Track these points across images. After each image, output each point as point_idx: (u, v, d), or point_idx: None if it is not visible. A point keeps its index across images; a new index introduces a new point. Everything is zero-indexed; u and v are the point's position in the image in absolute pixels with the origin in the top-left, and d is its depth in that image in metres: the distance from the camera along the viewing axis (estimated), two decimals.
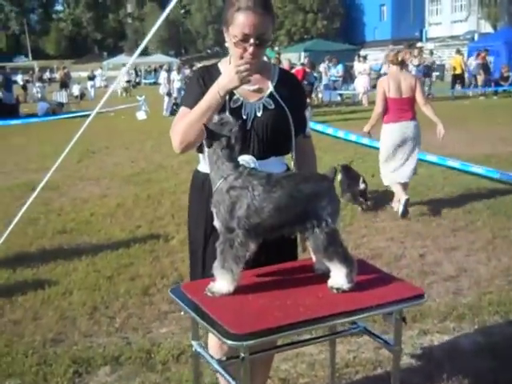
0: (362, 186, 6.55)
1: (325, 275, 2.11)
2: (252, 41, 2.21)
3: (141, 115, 17.52)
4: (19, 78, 33.99)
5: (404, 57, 6.54)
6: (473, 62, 22.85)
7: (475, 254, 5.17)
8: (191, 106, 2.28)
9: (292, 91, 2.42)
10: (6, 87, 20.72)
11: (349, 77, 24.34)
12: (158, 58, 50.90)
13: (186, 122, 2.27)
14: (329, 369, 2.76)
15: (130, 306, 4.26)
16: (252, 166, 2.23)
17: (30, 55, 75.73)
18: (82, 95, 27.93)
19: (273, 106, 2.35)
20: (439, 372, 3.24)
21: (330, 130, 11.64)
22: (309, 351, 3.46)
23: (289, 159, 2.50)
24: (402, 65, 6.47)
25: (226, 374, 2.05)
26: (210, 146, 2.06)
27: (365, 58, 23.33)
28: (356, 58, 24.25)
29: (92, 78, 30.58)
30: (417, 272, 4.75)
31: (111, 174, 9.40)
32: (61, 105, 21.46)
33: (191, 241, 2.57)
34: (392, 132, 6.39)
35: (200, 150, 2.38)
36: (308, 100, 17.36)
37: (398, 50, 6.85)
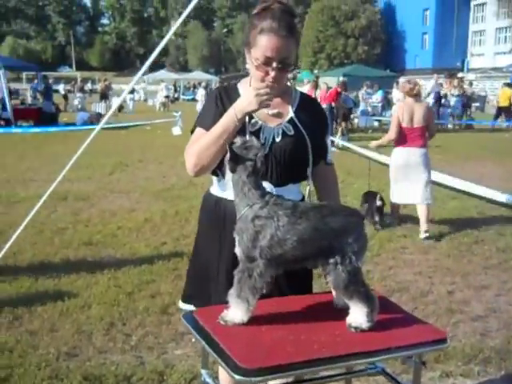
0: (378, 202, 6.83)
1: (344, 311, 2.02)
2: (274, 64, 2.13)
3: (176, 131, 17.63)
4: (61, 88, 34.70)
5: (419, 90, 7.05)
6: None
7: (506, 294, 4.98)
8: (207, 128, 2.20)
9: (313, 117, 2.33)
10: (46, 96, 21.16)
11: (387, 103, 24.16)
12: (198, 74, 51.67)
13: (200, 145, 2.18)
14: None
15: (148, 324, 4.21)
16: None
17: (74, 66, 77.87)
18: (121, 107, 28.31)
19: (292, 132, 2.26)
20: None
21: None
22: None
23: (303, 186, 2.40)
24: (417, 97, 6.92)
25: None
26: (233, 171, 1.99)
27: None
28: (395, 85, 24.08)
29: (132, 91, 31.00)
30: (444, 309, 4.59)
31: (142, 188, 9.43)
32: (99, 115, 21.78)
33: (198, 263, 2.45)
34: (398, 156, 6.88)
35: (215, 172, 2.30)
36: (344, 124, 17.30)
37: (415, 83, 7.05)
